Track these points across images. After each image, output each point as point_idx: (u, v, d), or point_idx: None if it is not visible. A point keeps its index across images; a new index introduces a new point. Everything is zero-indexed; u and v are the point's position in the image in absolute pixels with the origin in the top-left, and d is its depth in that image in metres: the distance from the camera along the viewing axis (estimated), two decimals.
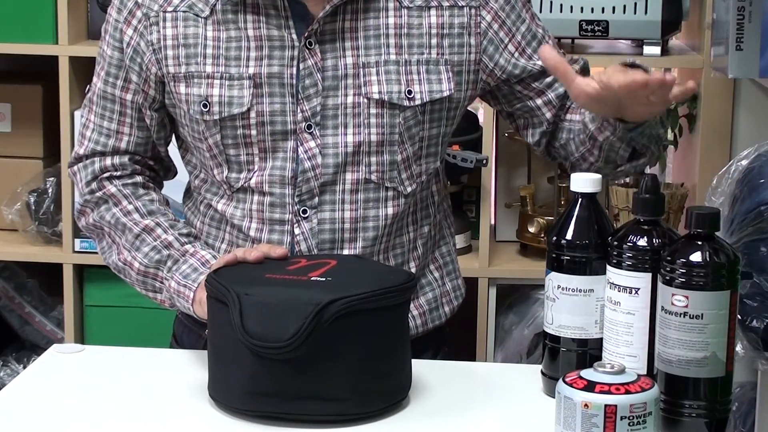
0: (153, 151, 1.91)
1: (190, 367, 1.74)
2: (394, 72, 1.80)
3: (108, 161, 1.89)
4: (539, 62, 1.85)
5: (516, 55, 1.86)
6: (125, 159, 1.89)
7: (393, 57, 1.81)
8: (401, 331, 1.62)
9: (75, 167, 1.92)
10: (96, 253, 2.85)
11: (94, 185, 1.89)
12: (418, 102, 1.81)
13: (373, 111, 1.80)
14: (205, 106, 1.80)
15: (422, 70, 1.81)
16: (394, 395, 1.60)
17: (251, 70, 1.79)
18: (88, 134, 1.90)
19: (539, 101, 1.89)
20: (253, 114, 1.79)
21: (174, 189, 1.93)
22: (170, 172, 1.98)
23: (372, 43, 1.80)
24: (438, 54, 1.82)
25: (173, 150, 1.95)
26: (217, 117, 1.80)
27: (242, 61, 1.79)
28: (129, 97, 1.86)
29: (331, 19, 1.79)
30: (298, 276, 1.60)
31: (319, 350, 1.52)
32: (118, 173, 1.89)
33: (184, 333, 1.95)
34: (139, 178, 1.90)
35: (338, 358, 1.53)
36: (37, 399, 1.65)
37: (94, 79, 1.89)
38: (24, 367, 2.89)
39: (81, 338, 2.96)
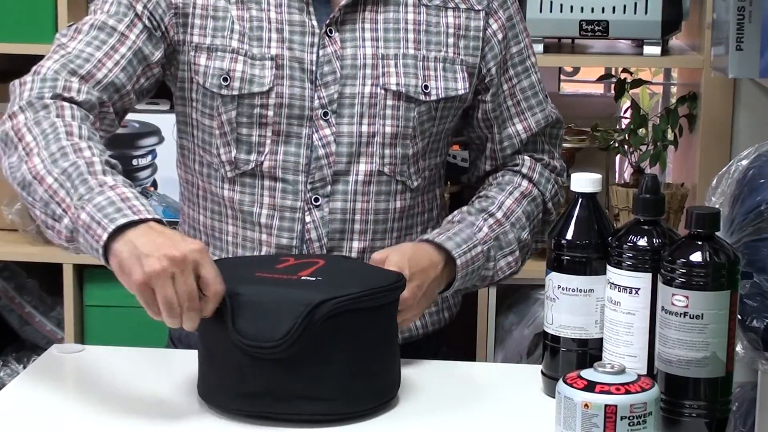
0: (120, 102, 1.78)
1: (189, 367, 1.74)
2: (412, 66, 1.82)
3: (75, 85, 1.73)
4: (514, 80, 1.89)
5: (500, 70, 1.88)
6: (92, 97, 1.73)
7: (411, 51, 1.82)
8: (390, 330, 1.62)
9: (25, 78, 1.74)
10: None
11: (47, 94, 1.71)
12: (433, 98, 1.83)
13: (389, 102, 1.81)
14: (225, 80, 1.79)
15: (439, 67, 1.83)
16: (383, 395, 1.60)
17: (273, 51, 1.79)
18: (60, 53, 1.75)
19: (487, 141, 1.93)
20: (273, 95, 1.79)
21: (174, 189, 1.92)
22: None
23: (391, 36, 1.82)
24: (455, 53, 1.84)
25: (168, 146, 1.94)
26: (236, 93, 1.79)
27: (264, 42, 1.80)
28: (132, 36, 1.78)
29: (352, 9, 1.81)
30: (288, 275, 1.60)
31: (310, 350, 1.52)
32: (79, 102, 1.72)
33: (181, 329, 1.93)
34: (92, 118, 1.74)
35: (328, 358, 1.53)
36: (37, 399, 1.65)
37: (89, 16, 1.80)
38: (24, 367, 2.89)
39: (81, 338, 2.96)
